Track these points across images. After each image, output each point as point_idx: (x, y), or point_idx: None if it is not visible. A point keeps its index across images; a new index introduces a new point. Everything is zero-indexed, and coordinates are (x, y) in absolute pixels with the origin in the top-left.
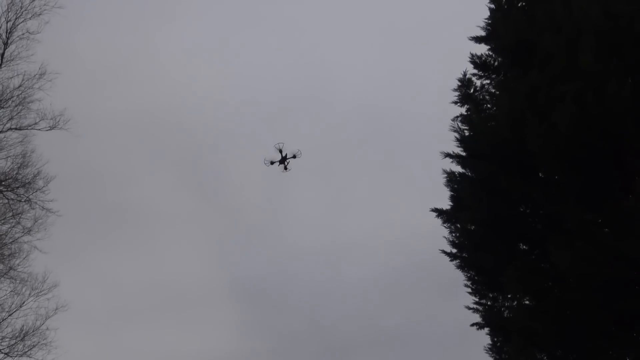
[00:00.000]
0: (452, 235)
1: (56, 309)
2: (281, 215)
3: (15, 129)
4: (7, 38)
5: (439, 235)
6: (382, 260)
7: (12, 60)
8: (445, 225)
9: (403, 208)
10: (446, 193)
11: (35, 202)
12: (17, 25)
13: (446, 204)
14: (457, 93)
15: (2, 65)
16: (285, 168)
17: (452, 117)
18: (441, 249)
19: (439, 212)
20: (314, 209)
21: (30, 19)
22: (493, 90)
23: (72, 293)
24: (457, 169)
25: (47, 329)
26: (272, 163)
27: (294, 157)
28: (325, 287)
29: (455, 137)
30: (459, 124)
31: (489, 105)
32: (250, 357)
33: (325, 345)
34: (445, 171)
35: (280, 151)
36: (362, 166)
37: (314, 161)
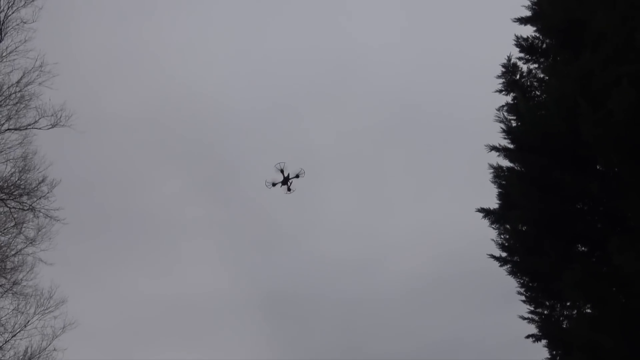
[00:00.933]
0: (501, 238)
1: (64, 327)
2: (309, 220)
3: (15, 129)
4: (1, 30)
5: (487, 238)
6: (422, 268)
7: (8, 54)
8: (493, 226)
9: (444, 208)
10: (493, 190)
11: (39, 210)
12: (10, 15)
13: (493, 203)
14: (501, 80)
15: None
16: (289, 189)
17: (496, 106)
18: (489, 253)
19: (486, 212)
20: (344, 211)
21: (23, 6)
22: (541, 76)
23: (80, 310)
24: (505, 163)
25: (54, 349)
26: (273, 185)
27: (297, 176)
28: (360, 298)
29: (502, 128)
30: (505, 113)
31: (537, 92)
32: None
33: None
34: (491, 166)
35: (282, 171)
36: (395, 161)
37: (341, 157)
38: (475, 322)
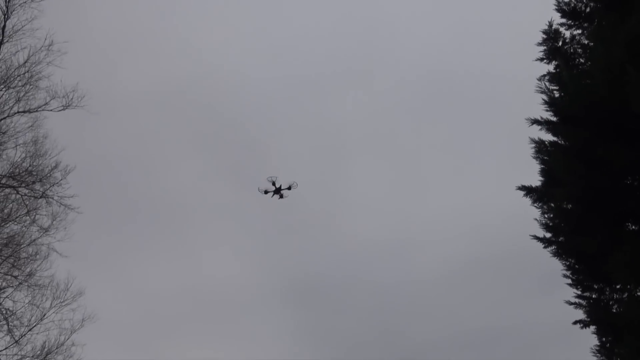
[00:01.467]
0: (544, 217)
1: (82, 321)
2: (339, 202)
3: (24, 112)
4: (7, 7)
5: (529, 217)
6: (461, 250)
7: (15, 33)
8: (535, 205)
9: (483, 187)
10: (535, 167)
11: (52, 198)
12: None
13: (536, 180)
14: (542, 48)
15: (4, 40)
16: (281, 196)
17: (537, 76)
18: (532, 234)
19: (528, 190)
20: (376, 192)
21: None
22: (586, 42)
23: (98, 302)
24: (548, 137)
25: (73, 344)
26: (265, 192)
27: (289, 188)
28: (394, 285)
29: (543, 99)
30: (547, 83)
31: (581, 60)
32: None
33: (396, 353)
34: (533, 140)
35: (274, 184)
36: (430, 138)
37: (373, 135)
38: (518, 308)
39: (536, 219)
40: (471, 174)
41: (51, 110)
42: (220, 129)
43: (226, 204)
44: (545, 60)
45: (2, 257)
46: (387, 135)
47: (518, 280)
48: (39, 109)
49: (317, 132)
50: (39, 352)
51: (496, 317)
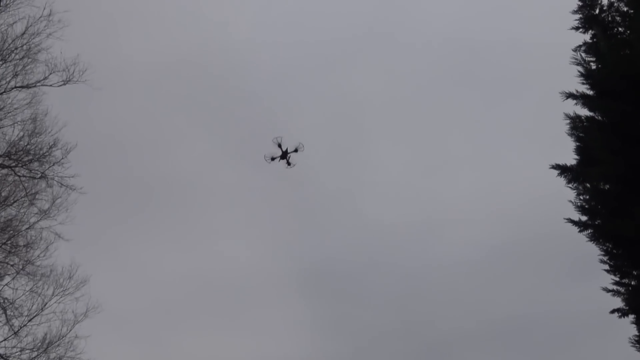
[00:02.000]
0: (580, 199)
1: (86, 312)
2: (356, 182)
3: (22, 87)
4: None
5: (563, 199)
6: (488, 235)
7: (12, 2)
8: (570, 185)
9: (512, 166)
10: (570, 144)
11: (53, 179)
12: None
13: (571, 159)
14: (577, 16)
15: (0, 10)
16: (288, 163)
17: (572, 46)
18: (567, 217)
19: (562, 169)
20: (398, 173)
21: None
22: (625, 9)
23: (103, 291)
24: (584, 112)
25: (76, 336)
26: (272, 159)
27: (296, 150)
28: (417, 271)
29: (579, 71)
30: (583, 54)
31: (620, 29)
32: None
33: (419, 344)
34: (567, 116)
35: (280, 145)
36: (456, 115)
37: (393, 108)
38: (550, 295)
39: (571, 201)
40: (499, 152)
41: (51, 86)
42: (232, 102)
43: (237, 184)
44: (580, 30)
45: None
46: (407, 110)
47: (550, 266)
48: (38, 84)
49: (334, 102)
50: (39, 343)
51: (525, 305)
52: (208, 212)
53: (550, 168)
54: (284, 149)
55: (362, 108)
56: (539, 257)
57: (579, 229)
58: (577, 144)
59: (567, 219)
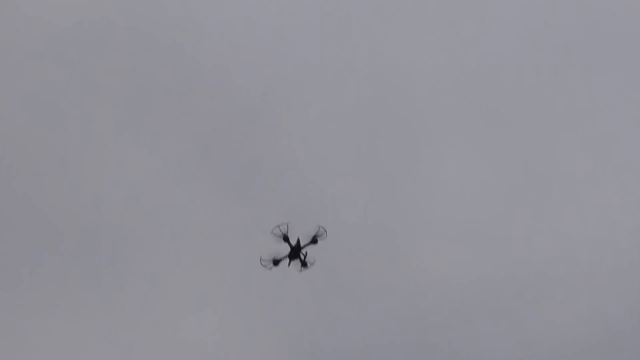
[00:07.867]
0: None
1: None
2: (409, 216)
3: None
4: None
5: None
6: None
7: None
8: None
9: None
10: None
11: None
12: None
13: None
14: None
15: None
16: (304, 265)
17: None
18: None
19: None
20: (469, 201)
21: None
22: None
23: None
24: None
25: None
26: (276, 263)
27: (315, 241)
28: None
29: None
30: None
31: None
32: None
33: None
34: None
35: (286, 239)
36: (570, 110)
37: (462, 99)
38: None
39: None
40: (617, 169)
41: None
42: (193, 89)
43: (210, 223)
44: None
45: None
46: (484, 104)
47: None
48: None
49: (360, 80)
50: None
51: None
52: (155, 273)
53: None
54: (293, 243)
55: (409, 92)
56: None
57: None
58: None
59: None
